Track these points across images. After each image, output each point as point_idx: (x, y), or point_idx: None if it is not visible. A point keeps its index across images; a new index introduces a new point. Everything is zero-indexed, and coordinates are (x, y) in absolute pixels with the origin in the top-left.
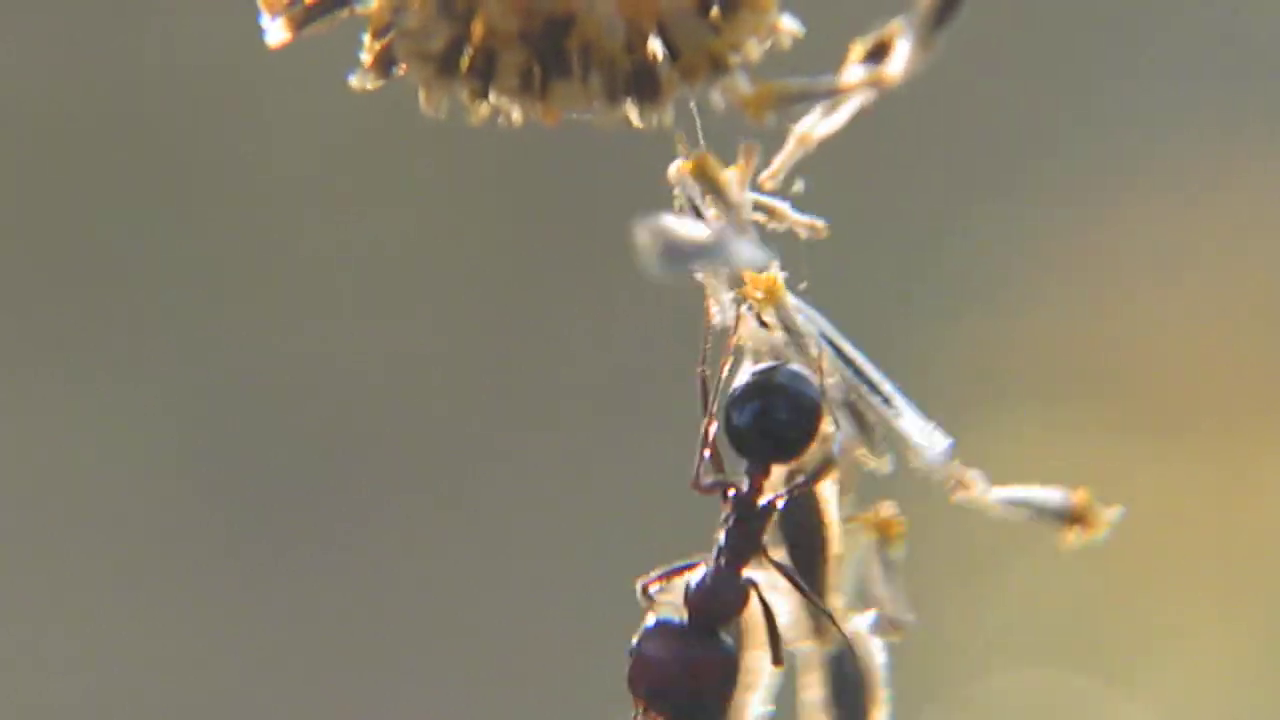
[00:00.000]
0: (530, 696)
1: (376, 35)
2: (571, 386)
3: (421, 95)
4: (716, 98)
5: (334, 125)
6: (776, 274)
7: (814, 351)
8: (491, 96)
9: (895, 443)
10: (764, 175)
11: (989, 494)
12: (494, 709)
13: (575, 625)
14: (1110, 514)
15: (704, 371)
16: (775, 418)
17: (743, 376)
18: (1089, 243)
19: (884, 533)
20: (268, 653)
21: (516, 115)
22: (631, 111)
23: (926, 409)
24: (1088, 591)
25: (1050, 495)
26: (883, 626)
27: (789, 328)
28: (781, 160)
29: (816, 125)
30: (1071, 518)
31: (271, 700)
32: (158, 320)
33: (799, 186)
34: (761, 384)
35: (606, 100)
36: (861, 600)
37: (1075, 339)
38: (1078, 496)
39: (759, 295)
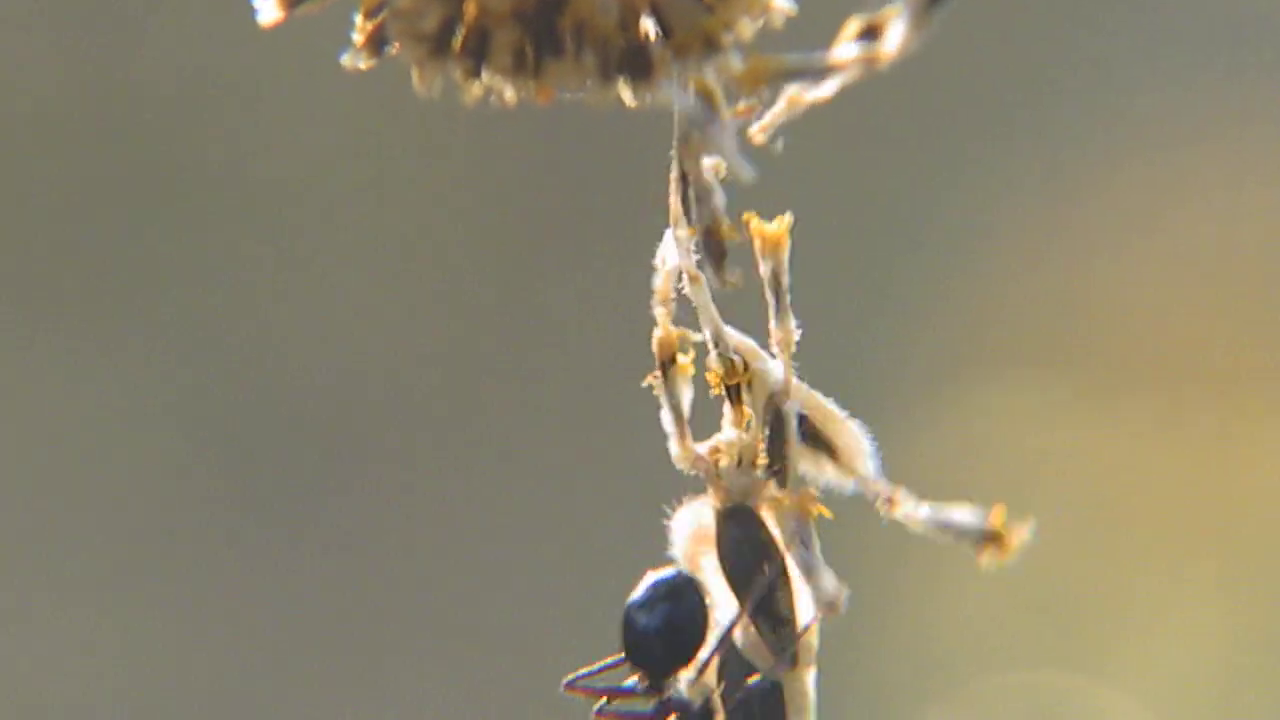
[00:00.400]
0: (532, 693)
1: (369, 15)
2: (571, 382)
3: (414, 75)
4: (710, 76)
5: (332, 124)
6: (787, 223)
7: (790, 324)
8: (484, 76)
9: (833, 462)
10: (754, 129)
11: (915, 512)
12: (495, 706)
13: (577, 622)
14: (1023, 533)
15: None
16: (678, 633)
17: (637, 592)
18: (1072, 212)
19: (803, 510)
20: (268, 651)
21: (509, 95)
22: (625, 91)
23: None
24: (1078, 568)
25: (968, 516)
26: (819, 607)
27: (777, 287)
28: (770, 118)
29: (806, 90)
30: (987, 538)
31: (272, 699)
32: (156, 319)
33: (779, 146)
34: (656, 598)
35: (600, 79)
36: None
37: (1059, 308)
38: (993, 517)
39: (762, 240)
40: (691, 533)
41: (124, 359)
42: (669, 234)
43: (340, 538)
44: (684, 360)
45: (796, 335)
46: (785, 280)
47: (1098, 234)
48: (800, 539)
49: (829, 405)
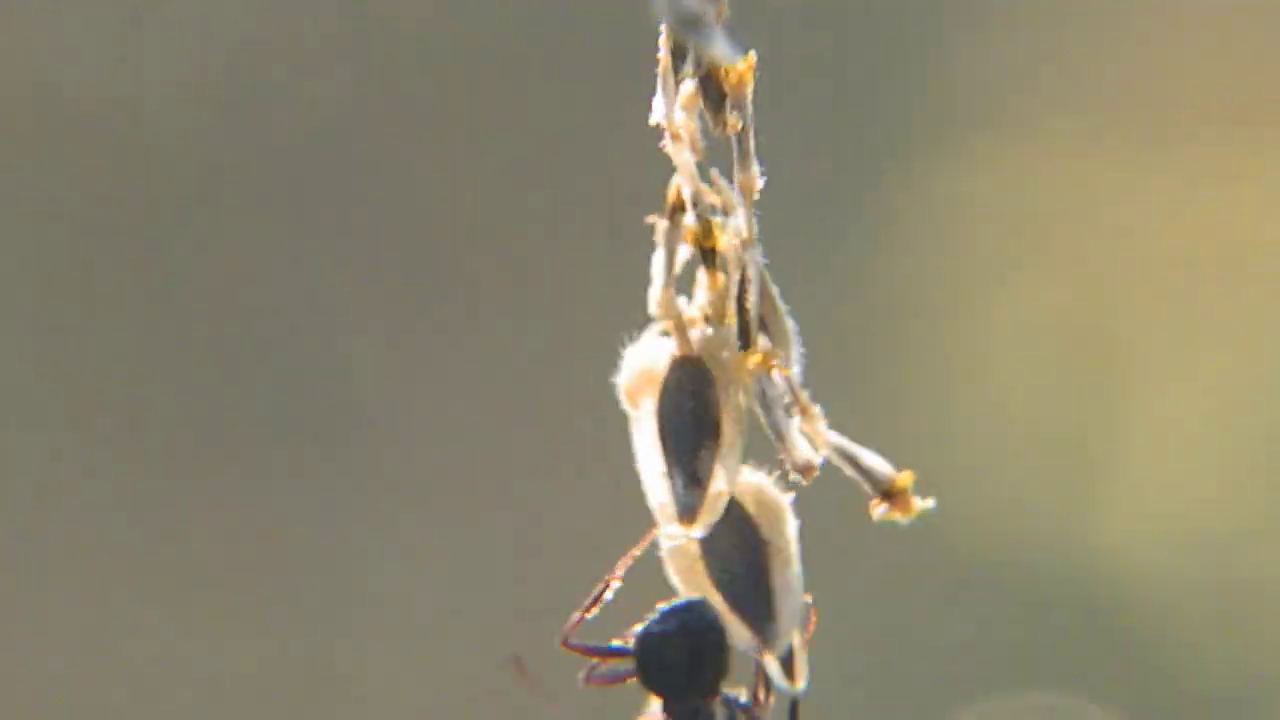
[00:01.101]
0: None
1: None
2: (564, 387)
3: None
4: None
5: (310, 128)
6: (750, 60)
7: (753, 168)
8: None
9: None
10: None
11: (825, 433)
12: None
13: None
14: (922, 505)
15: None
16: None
17: (661, 623)
18: None
19: (763, 370)
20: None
21: None
22: None
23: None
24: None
25: (877, 463)
26: (792, 469)
27: (742, 123)
28: None
29: None
30: (887, 493)
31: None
32: (155, 318)
33: None
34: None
35: None
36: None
37: (1088, 53)
38: (900, 477)
39: (729, 80)
40: (641, 370)
41: (115, 356)
42: (660, 90)
43: (339, 538)
44: (689, 220)
45: (760, 183)
46: (749, 120)
47: None
48: (763, 401)
49: (774, 290)
